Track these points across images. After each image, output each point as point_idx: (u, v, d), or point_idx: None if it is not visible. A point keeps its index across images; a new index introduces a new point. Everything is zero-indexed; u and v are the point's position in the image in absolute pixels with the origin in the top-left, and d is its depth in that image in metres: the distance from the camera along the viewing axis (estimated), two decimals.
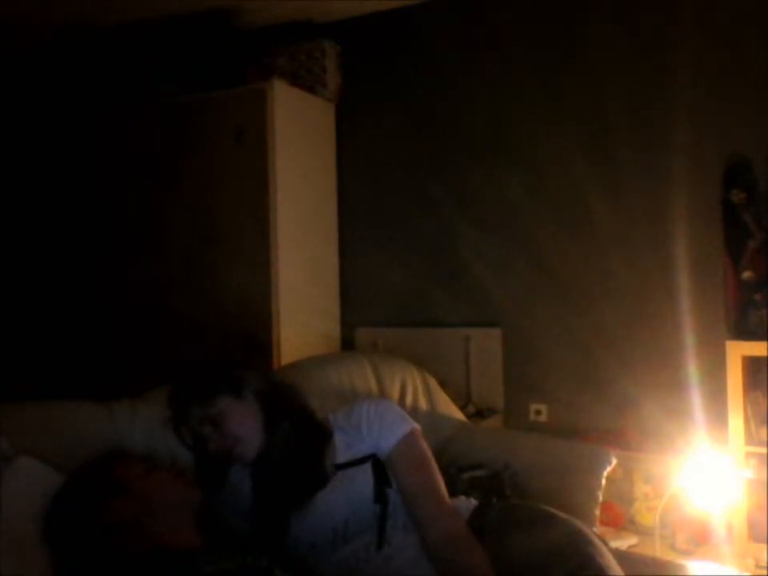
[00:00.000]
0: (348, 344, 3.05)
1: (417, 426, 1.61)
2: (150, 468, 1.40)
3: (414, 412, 2.26)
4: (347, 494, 1.51)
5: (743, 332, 2.33)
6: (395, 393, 2.27)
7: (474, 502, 1.64)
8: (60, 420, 1.62)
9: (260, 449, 1.52)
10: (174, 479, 1.40)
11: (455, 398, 2.53)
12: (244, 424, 1.52)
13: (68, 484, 1.38)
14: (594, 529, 1.85)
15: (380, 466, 1.54)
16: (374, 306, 3.03)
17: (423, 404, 2.33)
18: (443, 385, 2.48)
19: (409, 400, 2.30)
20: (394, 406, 1.67)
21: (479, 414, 2.70)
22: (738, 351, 2.24)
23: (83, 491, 1.35)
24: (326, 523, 1.50)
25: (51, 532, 1.32)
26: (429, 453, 1.59)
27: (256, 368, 1.71)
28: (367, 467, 1.54)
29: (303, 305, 2.87)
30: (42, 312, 3.24)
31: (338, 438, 1.59)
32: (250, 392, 1.56)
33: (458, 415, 2.44)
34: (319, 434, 1.59)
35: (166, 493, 1.36)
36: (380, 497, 1.51)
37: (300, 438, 1.55)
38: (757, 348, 2.21)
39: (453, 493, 1.64)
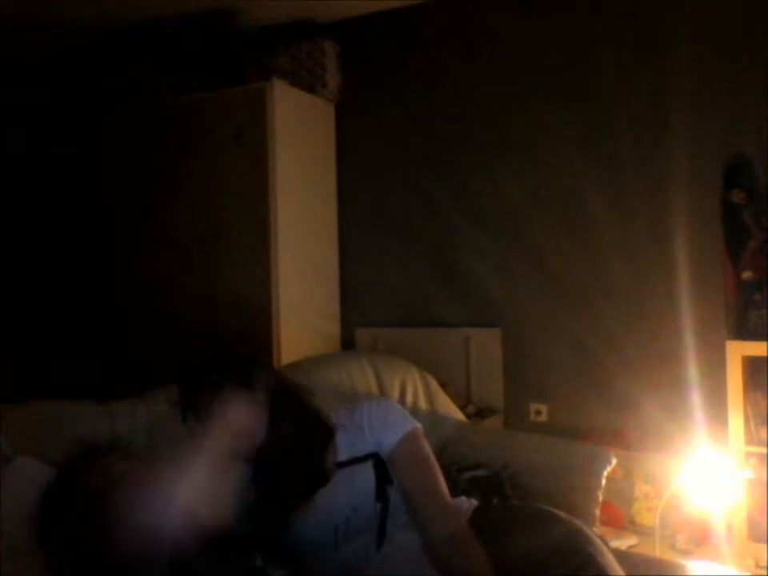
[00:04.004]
0: (348, 344, 3.05)
1: (418, 425, 1.61)
2: (133, 464, 1.37)
3: (414, 412, 2.25)
4: (349, 492, 1.52)
5: (743, 332, 2.33)
6: (395, 393, 2.28)
7: (474, 502, 1.64)
8: (60, 420, 1.62)
9: (262, 444, 1.52)
10: (160, 477, 1.37)
11: (455, 398, 2.53)
12: (250, 417, 1.51)
13: (55, 482, 1.37)
14: (594, 529, 1.85)
15: (381, 464, 1.54)
16: (374, 306, 3.03)
17: (423, 404, 2.33)
18: (443, 385, 2.49)
19: (409, 400, 2.30)
20: (396, 406, 1.67)
21: (479, 414, 2.70)
22: (738, 351, 2.24)
23: (69, 490, 1.34)
24: (327, 521, 1.50)
25: (41, 533, 1.31)
26: (430, 452, 1.59)
27: (264, 364, 1.71)
28: (368, 465, 1.54)
29: (303, 305, 2.87)
30: (41, 312, 3.24)
31: (340, 437, 1.59)
32: (259, 385, 1.55)
33: (458, 415, 2.44)
34: (322, 433, 1.59)
35: (153, 491, 1.33)
36: (381, 495, 1.51)
37: (303, 436, 1.55)
38: (757, 348, 2.21)
39: (453, 493, 1.64)
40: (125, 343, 3.05)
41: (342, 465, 1.55)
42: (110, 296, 3.10)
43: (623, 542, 2.26)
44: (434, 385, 2.41)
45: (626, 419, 2.54)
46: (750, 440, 2.22)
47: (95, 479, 1.32)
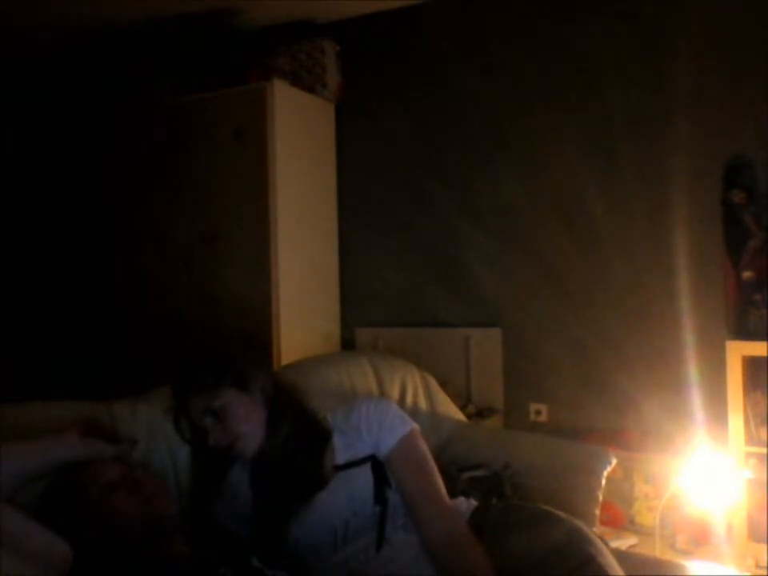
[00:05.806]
0: (348, 344, 3.05)
1: (416, 426, 1.61)
2: (116, 484, 1.35)
3: (414, 412, 2.26)
4: (347, 495, 1.51)
5: (743, 332, 2.33)
6: (395, 393, 2.27)
7: (473, 502, 1.64)
8: (60, 420, 1.61)
9: (260, 446, 1.52)
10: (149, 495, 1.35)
11: (455, 398, 2.52)
12: (247, 419, 1.51)
13: (52, 484, 1.36)
14: (594, 529, 1.85)
15: (379, 467, 1.54)
16: (374, 306, 3.03)
17: (423, 404, 2.33)
18: (443, 385, 2.48)
19: (409, 400, 2.29)
20: (394, 407, 1.67)
21: (479, 414, 2.70)
22: (738, 351, 2.24)
23: (66, 492, 1.33)
24: (326, 524, 1.49)
25: None
26: (428, 453, 1.59)
27: (261, 366, 1.71)
28: (367, 468, 1.54)
29: (303, 305, 2.87)
30: (41, 312, 3.24)
31: (338, 439, 1.59)
32: (255, 387, 1.56)
33: (458, 415, 2.44)
34: (319, 436, 1.59)
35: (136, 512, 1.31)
36: (380, 498, 1.51)
37: (300, 438, 1.55)
38: (757, 348, 2.22)
39: (453, 493, 1.64)
40: (125, 343, 3.05)
41: (340, 468, 1.54)
42: (110, 296, 3.10)
43: (623, 542, 2.26)
44: (433, 385, 2.40)
45: (625, 419, 2.54)
46: (750, 440, 2.22)
47: (92, 482, 1.32)
